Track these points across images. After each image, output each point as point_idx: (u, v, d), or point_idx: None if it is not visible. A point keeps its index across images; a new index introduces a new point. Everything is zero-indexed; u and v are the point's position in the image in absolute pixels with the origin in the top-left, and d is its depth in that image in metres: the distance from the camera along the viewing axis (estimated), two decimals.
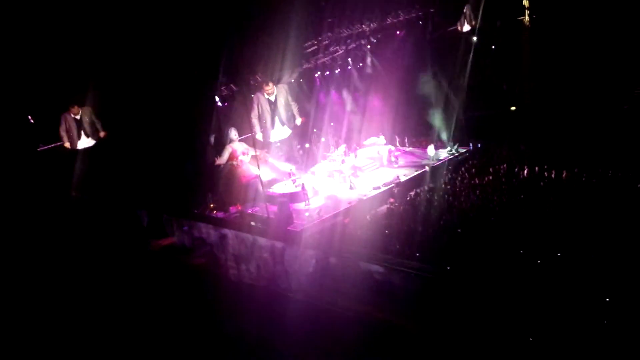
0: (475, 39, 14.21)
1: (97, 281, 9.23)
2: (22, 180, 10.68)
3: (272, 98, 11.71)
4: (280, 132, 12.01)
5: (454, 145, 12.88)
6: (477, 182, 10.74)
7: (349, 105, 13.70)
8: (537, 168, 10.80)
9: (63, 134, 11.25)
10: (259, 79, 11.84)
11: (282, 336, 7.38)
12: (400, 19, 13.78)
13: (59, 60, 10.49)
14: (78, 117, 11.26)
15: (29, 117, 10.76)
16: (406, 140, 13.85)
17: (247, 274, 9.31)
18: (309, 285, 8.52)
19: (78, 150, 11.34)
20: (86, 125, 11.32)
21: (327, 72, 13.25)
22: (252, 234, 9.43)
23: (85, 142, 11.40)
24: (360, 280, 8.03)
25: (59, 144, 11.36)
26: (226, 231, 9.75)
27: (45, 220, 10.49)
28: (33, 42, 10.34)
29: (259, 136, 11.81)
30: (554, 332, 6.55)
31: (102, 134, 11.50)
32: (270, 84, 11.60)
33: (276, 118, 11.80)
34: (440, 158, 12.51)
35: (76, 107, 11.19)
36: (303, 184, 11.01)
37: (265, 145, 11.99)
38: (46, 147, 11.17)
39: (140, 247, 10.44)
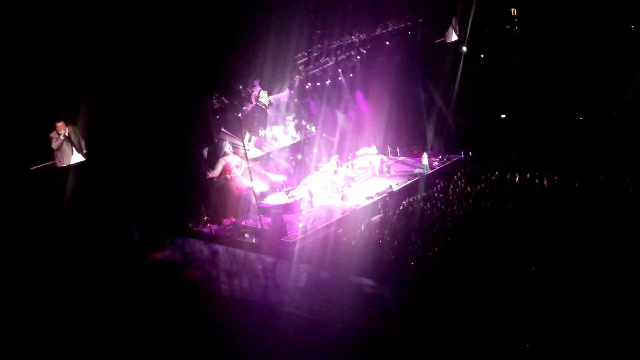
0: (464, 48, 14.33)
1: (93, 294, 9.22)
2: (16, 200, 10.60)
3: (266, 104, 12.02)
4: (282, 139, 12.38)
5: (445, 153, 12.96)
6: (469, 190, 10.78)
7: (340, 116, 13.74)
8: (528, 175, 10.85)
9: (57, 152, 11.22)
10: (249, 89, 12.02)
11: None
12: (390, 29, 13.85)
13: (48, 77, 10.44)
14: (66, 133, 11.23)
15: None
16: (398, 149, 13.91)
17: (239, 289, 9.29)
18: (300, 297, 8.49)
19: (70, 166, 11.26)
20: (75, 141, 11.31)
21: (318, 84, 13.29)
22: (243, 249, 9.39)
23: (77, 157, 11.36)
24: (351, 291, 8.00)
25: (50, 162, 11.29)
26: (217, 247, 9.70)
27: (41, 238, 10.42)
28: (25, 60, 10.30)
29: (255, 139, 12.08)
30: (550, 337, 6.54)
31: None
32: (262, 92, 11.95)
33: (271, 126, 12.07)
34: (433, 167, 12.57)
35: (62, 122, 11.11)
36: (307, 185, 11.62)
37: (257, 157, 12.04)
38: (38, 166, 11.08)
39: (134, 262, 10.38)
